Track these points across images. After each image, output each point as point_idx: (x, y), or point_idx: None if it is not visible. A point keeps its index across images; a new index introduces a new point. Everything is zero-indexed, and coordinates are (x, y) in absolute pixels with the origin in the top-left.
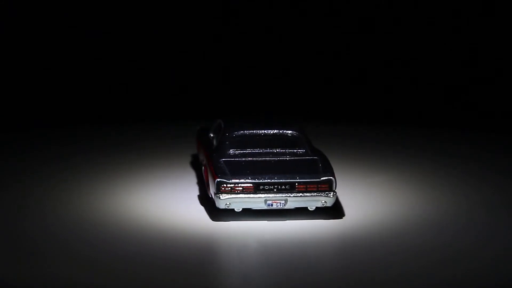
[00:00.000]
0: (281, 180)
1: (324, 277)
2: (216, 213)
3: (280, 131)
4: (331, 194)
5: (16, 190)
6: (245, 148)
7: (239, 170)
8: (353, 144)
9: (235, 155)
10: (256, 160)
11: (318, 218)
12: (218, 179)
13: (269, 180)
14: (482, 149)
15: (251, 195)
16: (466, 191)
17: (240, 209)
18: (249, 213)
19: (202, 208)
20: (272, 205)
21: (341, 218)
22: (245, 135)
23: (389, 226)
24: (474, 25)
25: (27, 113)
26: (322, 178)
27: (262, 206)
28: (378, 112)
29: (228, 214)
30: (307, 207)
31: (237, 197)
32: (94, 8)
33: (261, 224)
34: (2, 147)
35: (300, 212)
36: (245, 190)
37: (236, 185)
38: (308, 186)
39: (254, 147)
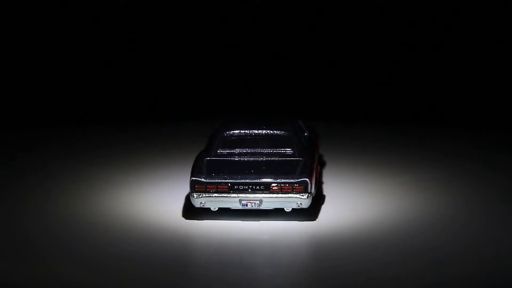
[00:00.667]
0: (255, 181)
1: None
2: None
3: (272, 131)
4: (306, 195)
5: (16, 190)
6: (234, 148)
7: (217, 169)
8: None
9: (221, 155)
10: (239, 160)
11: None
12: (192, 178)
13: (243, 180)
14: (482, 148)
15: (226, 195)
16: (466, 191)
17: (216, 209)
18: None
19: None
20: (247, 205)
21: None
22: (236, 134)
23: (388, 226)
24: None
25: (27, 112)
26: (297, 180)
27: (237, 206)
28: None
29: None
30: (283, 208)
31: (211, 197)
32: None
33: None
34: (2, 146)
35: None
36: (219, 190)
37: (210, 184)
38: (283, 187)
39: (243, 147)
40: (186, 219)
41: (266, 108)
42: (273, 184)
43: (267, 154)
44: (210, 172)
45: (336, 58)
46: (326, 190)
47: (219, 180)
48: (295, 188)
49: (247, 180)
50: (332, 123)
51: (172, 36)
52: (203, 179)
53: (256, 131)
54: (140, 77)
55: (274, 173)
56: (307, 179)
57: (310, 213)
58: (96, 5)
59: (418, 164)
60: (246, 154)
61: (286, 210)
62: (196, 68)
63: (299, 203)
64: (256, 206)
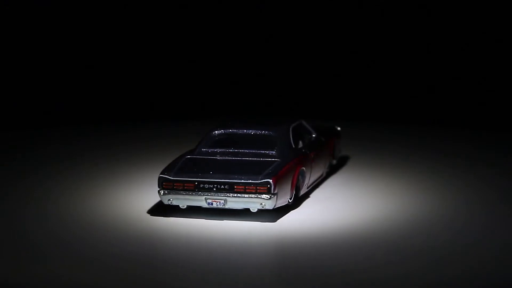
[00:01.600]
0: (220, 180)
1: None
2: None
3: (258, 132)
4: (269, 197)
5: (16, 190)
6: (218, 147)
7: (190, 168)
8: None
9: (204, 153)
10: (215, 159)
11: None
12: (159, 175)
13: (209, 179)
14: (482, 148)
15: (192, 193)
16: (466, 191)
17: (185, 206)
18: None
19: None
20: (212, 204)
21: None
22: (223, 134)
23: (388, 226)
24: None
25: (29, 112)
26: (260, 181)
27: (203, 204)
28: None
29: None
30: (249, 209)
31: (178, 194)
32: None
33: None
34: (3, 146)
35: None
36: (186, 188)
37: (177, 182)
38: (246, 187)
39: (228, 147)
40: (185, 219)
41: (271, 109)
42: (237, 185)
43: (249, 154)
44: (181, 170)
45: (336, 58)
46: (326, 190)
47: (186, 178)
48: (258, 189)
49: (212, 180)
50: (332, 123)
51: (172, 36)
52: (170, 176)
53: (242, 131)
54: (140, 77)
55: (241, 173)
56: (270, 180)
57: (308, 212)
58: (96, 5)
59: (418, 164)
60: (227, 153)
61: (252, 211)
62: (196, 68)
63: (262, 204)
64: (221, 205)
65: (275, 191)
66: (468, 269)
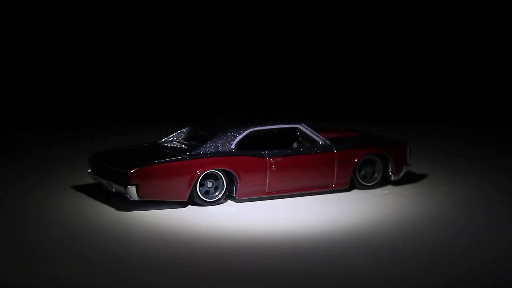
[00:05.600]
0: (105, 166)
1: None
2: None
3: (206, 131)
4: (128, 187)
5: (16, 190)
6: (171, 142)
7: (120, 154)
8: None
9: (154, 144)
10: (141, 149)
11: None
12: (89, 156)
13: (103, 165)
14: (482, 148)
15: (96, 175)
16: (466, 191)
17: (113, 190)
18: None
19: (201, 208)
20: (105, 185)
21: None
22: (188, 131)
23: (388, 226)
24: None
25: (29, 113)
26: (122, 170)
27: (105, 185)
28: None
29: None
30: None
31: (95, 174)
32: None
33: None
34: (3, 146)
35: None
36: (96, 171)
37: (95, 165)
38: (117, 176)
39: (177, 142)
40: (185, 218)
41: (272, 109)
42: (113, 173)
43: (176, 149)
44: (110, 155)
45: (336, 58)
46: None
47: (99, 162)
48: (121, 179)
49: (104, 165)
50: (331, 123)
51: (172, 36)
52: (93, 157)
53: (200, 130)
54: (140, 78)
55: (125, 163)
56: (127, 172)
57: (306, 213)
58: (96, 6)
59: (418, 164)
60: (162, 147)
61: (129, 199)
62: (196, 68)
63: (127, 193)
64: (110, 189)
65: (133, 182)
66: (468, 269)
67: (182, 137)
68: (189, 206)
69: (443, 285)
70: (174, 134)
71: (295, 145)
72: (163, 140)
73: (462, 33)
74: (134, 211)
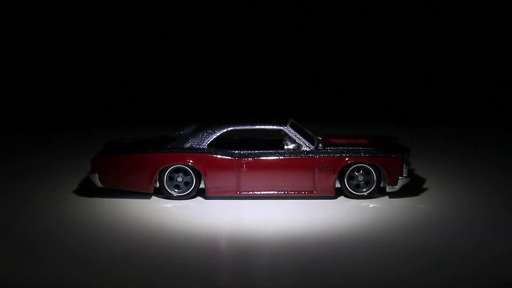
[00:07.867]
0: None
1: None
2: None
3: (182, 131)
4: (90, 175)
5: (16, 191)
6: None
7: (117, 145)
8: None
9: (144, 139)
10: (144, 140)
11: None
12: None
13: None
14: (482, 148)
15: None
16: (467, 191)
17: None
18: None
19: (201, 208)
20: None
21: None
22: (185, 131)
23: (388, 226)
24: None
25: (30, 115)
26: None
27: None
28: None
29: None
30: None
31: None
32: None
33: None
34: (4, 148)
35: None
36: None
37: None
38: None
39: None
40: (185, 219)
41: (272, 109)
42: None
43: (163, 143)
44: (110, 146)
45: (336, 58)
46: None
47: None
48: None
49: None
50: (331, 123)
51: (172, 36)
52: (106, 143)
53: (191, 128)
54: (141, 80)
55: (103, 152)
56: (91, 160)
57: (308, 212)
58: (96, 5)
59: (418, 164)
60: (158, 140)
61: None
62: (197, 68)
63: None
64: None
65: (95, 170)
66: (468, 269)
67: (184, 132)
68: (194, 206)
69: (443, 285)
70: (185, 128)
71: (278, 147)
72: (173, 133)
73: (462, 33)
74: (134, 211)
